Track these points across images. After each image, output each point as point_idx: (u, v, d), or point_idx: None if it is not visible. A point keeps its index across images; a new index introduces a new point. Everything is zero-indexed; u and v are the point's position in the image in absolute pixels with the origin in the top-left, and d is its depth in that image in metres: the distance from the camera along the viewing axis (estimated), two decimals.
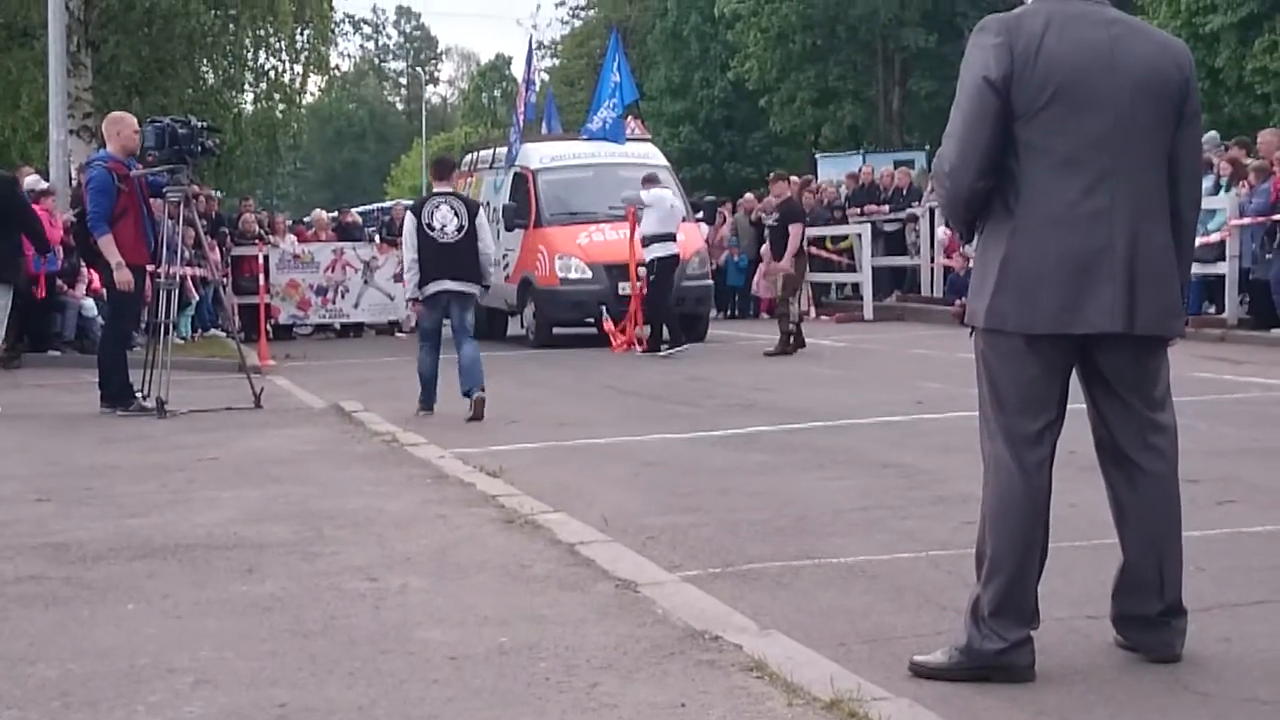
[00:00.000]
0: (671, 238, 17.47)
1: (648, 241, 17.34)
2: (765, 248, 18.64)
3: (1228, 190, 17.01)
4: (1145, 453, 4.26)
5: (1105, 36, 4.15)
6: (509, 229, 19.69)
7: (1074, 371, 4.28)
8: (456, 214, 11.43)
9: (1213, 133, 21.41)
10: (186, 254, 13.82)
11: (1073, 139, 4.11)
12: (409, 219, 11.79)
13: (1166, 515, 4.29)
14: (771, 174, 19.41)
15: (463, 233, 11.38)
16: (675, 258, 17.54)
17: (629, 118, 21.89)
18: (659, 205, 17.37)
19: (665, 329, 17.09)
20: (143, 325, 13.10)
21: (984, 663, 4.16)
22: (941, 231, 21.53)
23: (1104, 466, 4.36)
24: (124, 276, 11.39)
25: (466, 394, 11.15)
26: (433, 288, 11.39)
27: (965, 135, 4.16)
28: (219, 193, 26.12)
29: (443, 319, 11.55)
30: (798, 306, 16.86)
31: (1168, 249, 4.22)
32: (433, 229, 11.38)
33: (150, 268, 11.76)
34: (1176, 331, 4.28)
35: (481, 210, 12.06)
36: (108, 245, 11.39)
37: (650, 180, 17.91)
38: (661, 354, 16.56)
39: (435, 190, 11.83)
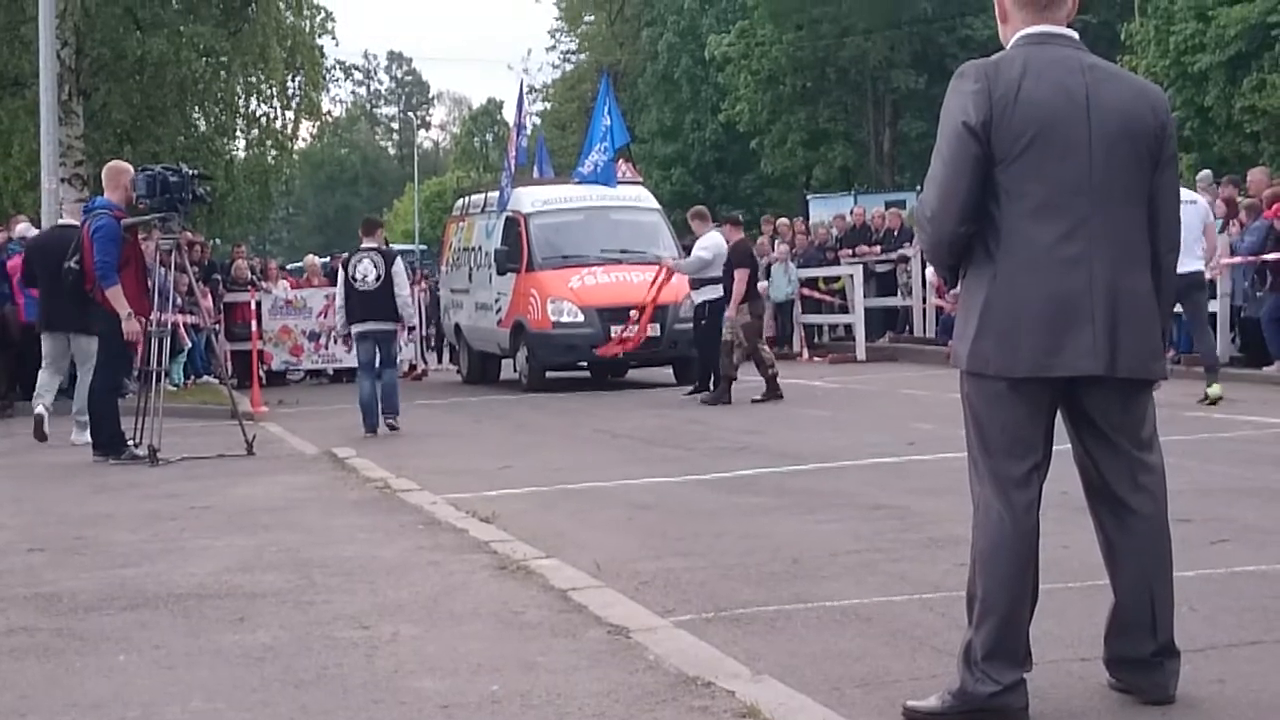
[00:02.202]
0: (720, 280, 16.60)
1: (698, 284, 16.71)
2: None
3: (1222, 229, 16.97)
4: (1135, 494, 4.26)
5: (1081, 82, 4.18)
6: (501, 273, 19.69)
7: (1060, 414, 4.29)
8: (375, 266, 13.67)
9: (1205, 171, 21.49)
10: (179, 301, 13.85)
11: (1050, 184, 4.13)
12: (340, 271, 14.25)
13: (1157, 555, 4.29)
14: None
15: (380, 281, 13.62)
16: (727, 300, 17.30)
17: (620, 161, 21.94)
18: (710, 246, 16.53)
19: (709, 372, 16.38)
20: (135, 373, 13.08)
21: (977, 706, 4.15)
22: (932, 272, 21.53)
23: (1093, 508, 4.36)
24: (134, 327, 11.38)
25: (385, 416, 13.69)
26: (359, 327, 13.76)
27: (946, 181, 4.18)
28: (215, 240, 26.19)
29: (375, 351, 13.76)
30: (739, 356, 15.58)
31: (1148, 292, 4.24)
32: (355, 279, 13.69)
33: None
34: (1158, 374, 4.28)
35: (399, 260, 14.15)
36: (116, 295, 11.32)
37: (698, 217, 17.44)
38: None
39: (362, 245, 14.03)
